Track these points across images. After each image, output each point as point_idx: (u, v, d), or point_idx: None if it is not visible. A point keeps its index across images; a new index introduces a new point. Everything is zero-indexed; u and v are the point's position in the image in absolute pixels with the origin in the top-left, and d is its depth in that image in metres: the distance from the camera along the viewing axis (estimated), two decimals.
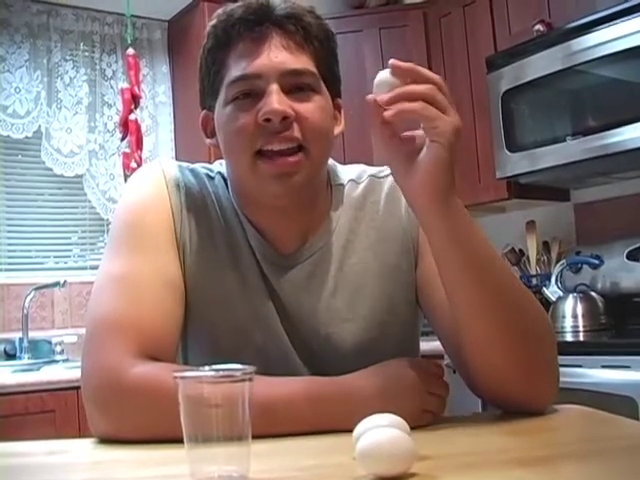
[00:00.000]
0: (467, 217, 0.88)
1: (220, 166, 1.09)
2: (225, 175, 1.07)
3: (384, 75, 0.84)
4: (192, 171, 1.06)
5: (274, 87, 0.95)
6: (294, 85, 0.97)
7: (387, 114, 0.82)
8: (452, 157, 0.83)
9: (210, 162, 1.11)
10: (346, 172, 1.12)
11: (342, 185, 1.09)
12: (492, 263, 0.90)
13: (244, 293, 1.01)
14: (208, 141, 1.06)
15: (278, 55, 0.96)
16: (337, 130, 1.05)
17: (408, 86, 0.82)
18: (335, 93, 1.05)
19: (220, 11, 1.01)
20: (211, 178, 1.07)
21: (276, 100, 0.94)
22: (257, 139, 0.95)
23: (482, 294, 0.88)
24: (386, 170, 1.10)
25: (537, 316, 0.93)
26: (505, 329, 0.89)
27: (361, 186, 1.10)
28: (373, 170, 1.12)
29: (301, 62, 0.97)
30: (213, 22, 1.01)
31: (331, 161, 1.10)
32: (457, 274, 0.88)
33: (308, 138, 0.96)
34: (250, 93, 0.96)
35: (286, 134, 0.95)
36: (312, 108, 0.97)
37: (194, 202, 1.03)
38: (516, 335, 0.89)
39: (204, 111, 1.06)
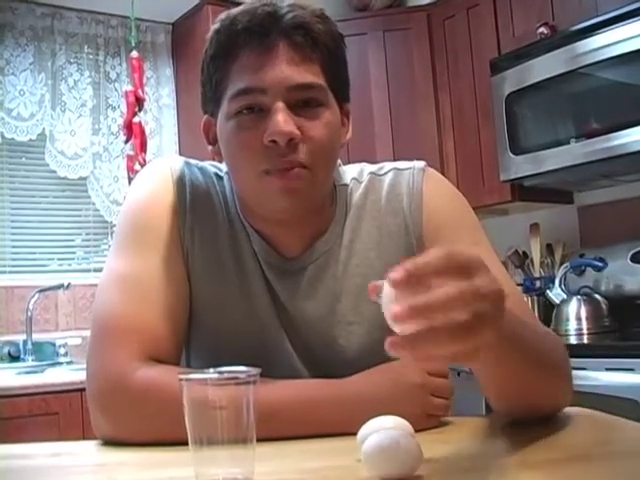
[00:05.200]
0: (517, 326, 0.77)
1: None
2: None
3: (386, 289, 0.62)
4: (201, 169, 1.05)
5: (280, 105, 0.91)
6: (301, 100, 0.93)
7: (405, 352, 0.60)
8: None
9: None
10: (349, 171, 1.09)
11: (346, 185, 1.07)
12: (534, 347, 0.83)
13: (245, 297, 1.00)
14: (210, 148, 1.04)
15: (285, 69, 0.92)
16: (344, 138, 1.02)
17: (417, 297, 0.59)
18: (343, 98, 1.01)
19: (223, 16, 0.96)
20: (220, 177, 1.05)
21: (282, 121, 0.90)
22: (262, 160, 0.92)
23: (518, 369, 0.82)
24: (386, 167, 1.08)
25: (556, 348, 0.92)
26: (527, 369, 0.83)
27: (362, 185, 1.07)
28: (373, 168, 1.09)
29: (308, 75, 0.93)
30: (216, 27, 0.97)
31: None
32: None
33: (313, 159, 0.93)
34: (254, 108, 0.93)
35: (291, 157, 0.92)
36: (319, 126, 0.93)
37: (200, 201, 1.01)
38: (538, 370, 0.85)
39: (206, 116, 1.03)
